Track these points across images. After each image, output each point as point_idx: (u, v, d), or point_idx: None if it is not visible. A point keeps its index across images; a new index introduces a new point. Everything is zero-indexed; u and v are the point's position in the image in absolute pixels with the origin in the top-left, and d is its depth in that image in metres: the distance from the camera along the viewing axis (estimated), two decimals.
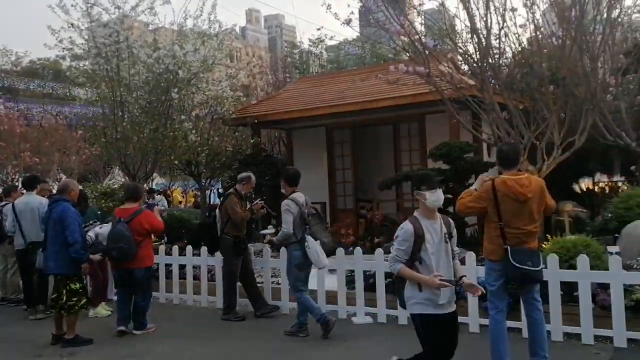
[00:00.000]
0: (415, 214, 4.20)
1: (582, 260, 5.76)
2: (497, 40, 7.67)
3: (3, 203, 8.90)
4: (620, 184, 10.19)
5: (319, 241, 6.47)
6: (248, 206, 7.80)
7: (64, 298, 6.48)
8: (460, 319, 6.34)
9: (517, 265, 4.67)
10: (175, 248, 8.82)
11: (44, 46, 11.69)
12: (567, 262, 6.14)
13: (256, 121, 12.58)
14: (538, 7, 7.65)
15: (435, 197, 4.14)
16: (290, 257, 6.61)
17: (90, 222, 8.16)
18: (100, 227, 7.95)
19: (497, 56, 7.98)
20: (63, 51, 11.61)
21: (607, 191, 10.30)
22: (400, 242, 4.10)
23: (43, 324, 7.44)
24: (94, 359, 6.05)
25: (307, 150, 13.54)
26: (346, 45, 24.24)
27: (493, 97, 7.57)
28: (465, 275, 4.33)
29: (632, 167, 11.15)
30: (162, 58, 11.22)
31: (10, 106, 23.82)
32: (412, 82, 8.17)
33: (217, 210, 7.71)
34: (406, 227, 4.10)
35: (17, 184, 12.31)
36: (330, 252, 6.85)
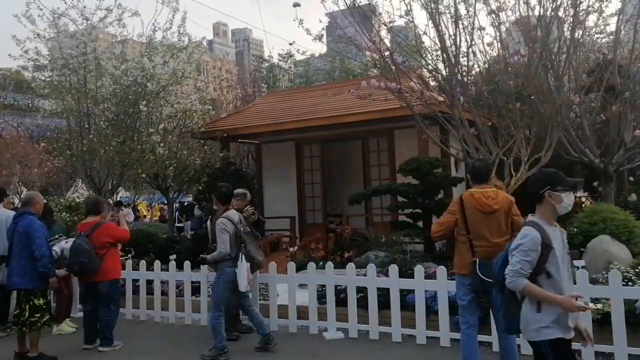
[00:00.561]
0: (534, 219, 3.51)
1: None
2: (466, 58, 7.83)
3: None
4: (583, 199, 10.44)
5: (248, 264, 6.47)
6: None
7: (27, 314, 6.30)
8: (432, 333, 6.44)
9: (484, 278, 4.70)
10: (143, 263, 8.66)
11: (9, 57, 11.43)
12: None
13: (225, 135, 12.52)
14: (505, 26, 7.86)
15: (570, 200, 3.52)
16: (222, 274, 6.53)
17: (56, 236, 7.96)
18: (66, 242, 7.75)
19: (465, 73, 8.14)
20: (28, 62, 11.37)
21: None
22: (525, 253, 3.38)
23: (5, 341, 7.19)
24: None
25: (276, 164, 13.53)
26: (315, 60, 24.39)
27: (462, 113, 7.71)
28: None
29: (595, 183, 11.47)
30: (130, 70, 11.10)
31: None
32: (384, 97, 8.27)
33: (209, 222, 7.63)
34: (532, 234, 3.40)
35: None
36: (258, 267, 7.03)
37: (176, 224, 16.17)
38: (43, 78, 12.38)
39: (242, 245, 6.53)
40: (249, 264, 6.49)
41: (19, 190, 20.13)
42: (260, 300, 7.65)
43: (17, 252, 6.38)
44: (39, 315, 6.33)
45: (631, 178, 10.42)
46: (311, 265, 7.42)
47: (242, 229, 6.58)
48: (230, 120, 13.51)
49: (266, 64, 25.44)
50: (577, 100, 7.51)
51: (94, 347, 6.83)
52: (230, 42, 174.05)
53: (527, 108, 7.72)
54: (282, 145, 13.35)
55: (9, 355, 6.51)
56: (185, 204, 18.68)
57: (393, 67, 7.72)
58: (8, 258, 6.55)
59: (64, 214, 12.89)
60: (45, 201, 7.77)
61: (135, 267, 8.74)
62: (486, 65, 8.48)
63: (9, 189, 20.83)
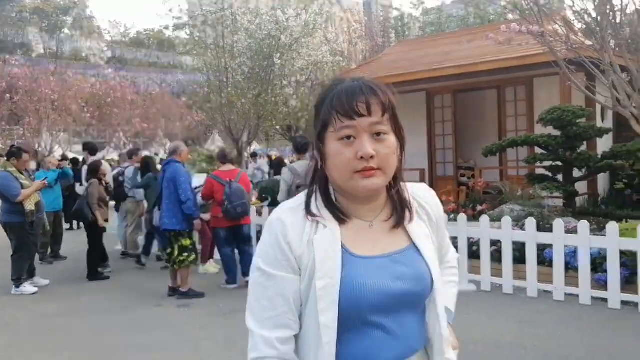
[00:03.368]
0: None
1: None
2: None
3: (126, 165, 9.51)
4: None
5: None
6: None
7: (176, 253, 6.90)
8: (570, 289, 6.14)
9: None
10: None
11: (156, 15, 12.38)
12: None
13: None
14: None
15: None
16: None
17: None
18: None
19: (618, 13, 7.39)
20: (173, 20, 12.10)
21: None
22: None
23: (161, 276, 7.95)
24: (207, 311, 6.40)
25: (406, 115, 13.24)
26: (448, 7, 23.43)
27: (613, 57, 7.05)
28: None
29: None
30: (264, 24, 11.41)
31: (122, 75, 25.19)
32: (525, 42, 7.77)
33: None
34: None
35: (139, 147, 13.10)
36: None
37: None
38: (184, 36, 13.14)
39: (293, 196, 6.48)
40: None
41: (164, 142, 21.75)
42: None
43: (166, 196, 6.97)
44: (186, 254, 6.93)
45: None
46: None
47: (298, 181, 6.42)
48: (360, 71, 13.48)
49: (395, 13, 24.92)
50: None
51: (234, 288, 7.36)
52: None
53: None
54: (412, 95, 13.10)
55: (164, 289, 7.22)
56: (273, 158, 18.90)
57: (535, 8, 7.19)
58: (159, 202, 7.18)
59: (204, 164, 13.78)
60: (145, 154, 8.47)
61: None
62: None
63: (155, 141, 22.62)
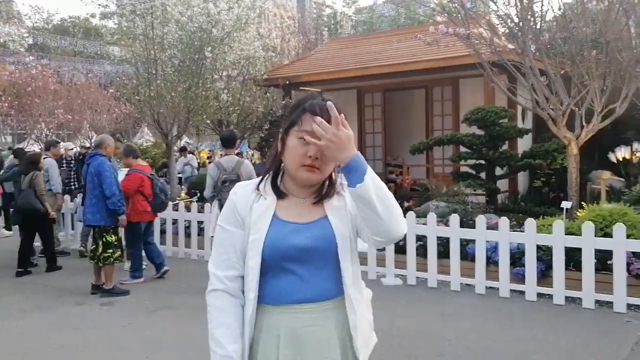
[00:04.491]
0: None
1: (619, 228, 5.70)
2: (540, 3, 7.46)
3: (44, 157, 9.08)
4: None
5: (218, 211, 6.43)
6: None
7: (100, 249, 6.69)
8: (491, 283, 6.41)
9: None
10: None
11: (80, 1, 11.75)
12: (603, 230, 6.09)
13: (287, 82, 12.54)
14: None
15: None
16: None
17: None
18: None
19: (538, 19, 7.78)
20: (99, 8, 11.69)
21: None
22: None
23: (83, 273, 7.68)
24: (132, 309, 6.23)
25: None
26: (380, 7, 23.79)
27: (533, 61, 7.41)
28: None
29: None
30: (195, 16, 11.20)
31: (44, 64, 24.02)
32: (452, 43, 8.02)
33: None
34: None
35: (57, 139, 12.54)
36: None
37: None
38: (111, 25, 12.70)
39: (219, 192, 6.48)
40: (218, 210, 6.45)
41: (90, 135, 20.92)
42: None
43: (90, 191, 6.74)
44: (111, 251, 6.72)
45: None
46: None
47: (224, 177, 6.44)
48: (292, 67, 13.51)
49: (329, 11, 25.10)
50: None
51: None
52: None
53: (603, 56, 7.33)
54: (343, 93, 13.25)
55: (86, 286, 6.97)
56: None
57: (462, 12, 7.44)
58: (83, 197, 6.93)
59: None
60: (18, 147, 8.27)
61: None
62: (561, 11, 8.07)
63: (80, 134, 21.72)
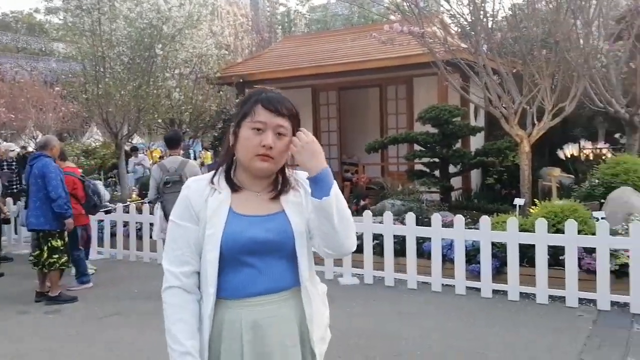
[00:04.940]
0: None
1: (570, 224, 5.80)
2: (491, 2, 7.55)
3: None
4: (605, 151, 10.25)
5: (161, 213, 6.34)
6: None
7: (45, 255, 6.38)
8: (447, 281, 6.43)
9: None
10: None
11: None
12: (554, 227, 6.19)
13: (241, 80, 12.36)
14: None
15: None
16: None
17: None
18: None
19: (490, 19, 7.87)
20: (43, 2, 11.22)
21: (592, 158, 10.36)
22: None
23: (27, 280, 7.33)
24: (80, 317, 5.97)
25: None
26: (333, 5, 23.78)
27: (486, 60, 7.49)
28: None
29: (617, 135, 11.26)
30: (145, 12, 10.89)
31: None
32: (407, 42, 8.04)
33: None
34: None
35: None
36: None
37: None
38: (56, 20, 12.24)
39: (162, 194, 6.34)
40: (161, 213, 6.35)
41: (34, 134, 20.17)
42: None
43: (34, 193, 6.42)
44: (57, 256, 6.42)
45: None
46: None
47: (166, 177, 6.26)
48: (246, 66, 13.32)
49: (282, 9, 24.95)
50: (607, 47, 7.24)
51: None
52: None
53: (553, 56, 7.47)
54: (298, 91, 13.14)
55: (30, 294, 6.65)
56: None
57: (416, 10, 7.45)
58: (26, 200, 6.60)
59: (81, 158, 12.95)
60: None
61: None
62: (511, 11, 8.19)
63: (24, 134, 20.90)
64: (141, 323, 5.56)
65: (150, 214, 8.48)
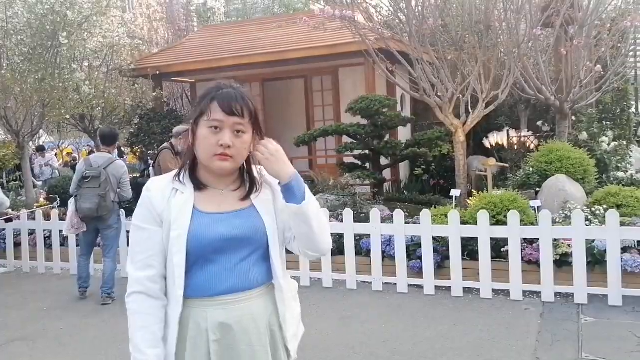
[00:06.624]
0: None
1: (513, 216, 5.63)
2: None
3: None
4: (532, 139, 10.34)
5: (72, 208, 6.06)
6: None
7: None
8: (388, 279, 6.13)
9: None
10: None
11: None
12: (495, 218, 6.02)
13: (157, 72, 11.59)
14: None
15: None
16: None
17: None
18: None
19: (419, 6, 7.62)
20: None
21: (516, 146, 10.43)
22: None
23: None
24: None
25: None
26: None
27: (419, 48, 7.23)
28: None
29: (539, 122, 11.42)
30: None
31: None
32: (333, 30, 7.65)
33: (152, 168, 7.11)
34: None
35: None
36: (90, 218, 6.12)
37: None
38: None
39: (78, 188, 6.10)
40: (73, 208, 6.03)
41: None
42: None
43: None
44: None
45: (573, 117, 10.32)
46: None
47: (84, 172, 6.02)
48: (162, 57, 12.50)
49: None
50: (538, 33, 7.17)
51: None
52: None
53: (484, 43, 7.32)
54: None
55: None
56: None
57: None
58: None
59: None
60: None
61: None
62: None
63: None
64: (52, 349, 4.87)
65: (61, 220, 7.64)
